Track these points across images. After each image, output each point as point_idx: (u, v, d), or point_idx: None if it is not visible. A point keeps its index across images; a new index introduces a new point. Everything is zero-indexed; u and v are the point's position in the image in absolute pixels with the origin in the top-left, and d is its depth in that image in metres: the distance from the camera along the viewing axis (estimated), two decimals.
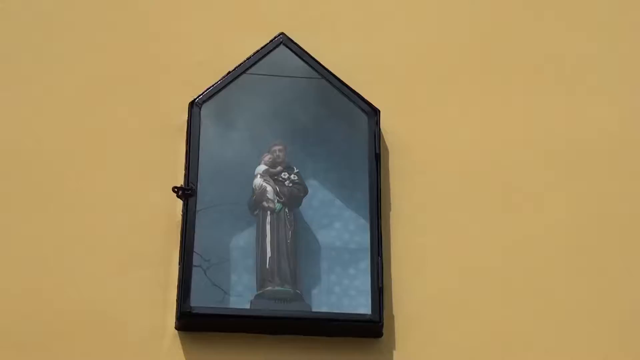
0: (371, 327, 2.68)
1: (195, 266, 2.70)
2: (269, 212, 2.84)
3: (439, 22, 3.26)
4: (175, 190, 2.78)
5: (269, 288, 2.75)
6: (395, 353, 2.72)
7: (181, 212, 2.76)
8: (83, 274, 2.75)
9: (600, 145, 3.09)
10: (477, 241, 2.93)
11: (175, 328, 2.65)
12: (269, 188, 2.86)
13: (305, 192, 2.89)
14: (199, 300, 2.65)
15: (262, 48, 2.95)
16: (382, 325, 2.68)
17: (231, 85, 2.91)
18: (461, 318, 2.81)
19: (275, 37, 2.98)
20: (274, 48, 2.96)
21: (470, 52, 3.25)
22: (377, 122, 2.91)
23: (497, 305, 2.85)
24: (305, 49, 2.99)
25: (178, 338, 2.66)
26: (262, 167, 2.88)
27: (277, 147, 2.89)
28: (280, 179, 2.88)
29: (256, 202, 2.84)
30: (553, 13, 3.31)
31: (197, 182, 2.79)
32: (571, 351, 2.85)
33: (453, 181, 3.00)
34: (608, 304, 2.89)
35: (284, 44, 2.98)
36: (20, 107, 2.96)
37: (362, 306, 2.72)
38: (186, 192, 2.77)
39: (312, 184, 2.92)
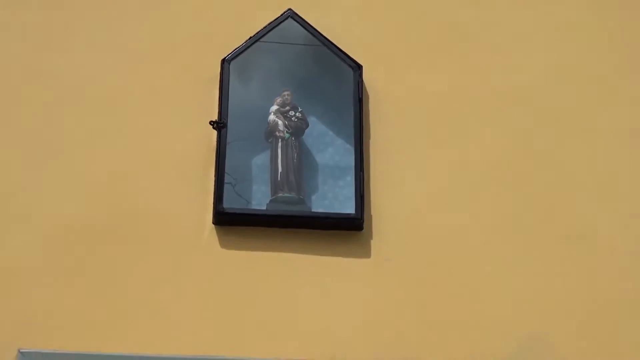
0: (354, 222, 2.85)
1: (227, 183, 2.87)
2: (280, 140, 2.98)
3: None
4: (212, 123, 2.92)
5: (280, 194, 2.91)
6: (372, 242, 2.87)
7: (216, 140, 2.92)
8: (143, 184, 2.91)
9: (545, 94, 3.19)
10: (440, 160, 3.04)
11: (212, 223, 2.83)
12: (279, 122, 3.00)
13: (307, 125, 3.02)
14: (229, 203, 2.83)
15: (274, 20, 3.11)
16: (362, 222, 2.84)
17: (252, 47, 3.06)
18: (427, 218, 2.94)
19: (284, 12, 3.11)
20: (284, 20, 3.11)
21: (438, 21, 3.32)
22: (360, 75, 3.05)
23: (459, 206, 2.97)
24: (307, 21, 3.10)
25: (214, 230, 2.84)
26: (274, 107, 3.01)
27: (286, 92, 3.03)
28: (288, 115, 3.01)
29: (270, 132, 2.99)
30: None
31: (227, 118, 2.93)
32: (531, 249, 2.92)
33: (419, 118, 3.10)
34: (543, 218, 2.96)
35: (291, 17, 3.11)
36: (94, 60, 3.11)
37: (348, 208, 2.88)
38: (219, 125, 2.92)
39: (311, 120, 3.05)
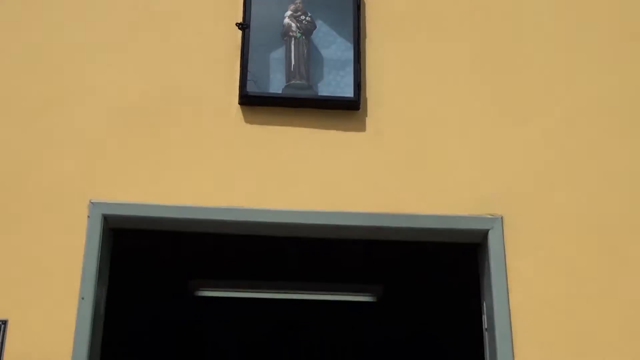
0: (352, 103, 3.09)
1: (250, 78, 3.07)
2: (293, 39, 3.15)
3: None
4: (237, 24, 3.13)
5: (293, 82, 3.11)
6: (366, 119, 3.11)
7: (241, 38, 3.12)
8: (184, 72, 3.11)
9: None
10: (423, 54, 3.21)
11: (238, 103, 3.06)
12: (293, 24, 3.17)
13: (315, 27, 3.19)
14: (252, 88, 3.06)
15: None
16: (359, 103, 3.09)
17: None
18: (410, 99, 3.13)
19: None
20: None
21: None
22: None
23: (436, 90, 3.14)
24: None
25: (240, 109, 3.07)
26: (289, 12, 3.19)
27: (298, 1, 3.19)
28: (300, 19, 3.18)
29: (285, 32, 3.16)
30: None
31: (250, 22, 3.14)
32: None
33: (407, 21, 3.25)
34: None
35: None
36: None
37: (348, 92, 3.10)
38: (244, 26, 3.13)
39: (319, 23, 3.21)
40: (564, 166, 3.13)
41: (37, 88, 3.09)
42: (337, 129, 3.10)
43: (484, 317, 3.02)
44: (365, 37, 3.27)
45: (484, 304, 3.02)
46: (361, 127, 3.12)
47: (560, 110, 3.22)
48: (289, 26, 3.21)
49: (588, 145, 3.17)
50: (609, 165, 3.15)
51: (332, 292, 5.26)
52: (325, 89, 3.16)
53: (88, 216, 2.91)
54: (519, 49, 3.31)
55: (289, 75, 3.15)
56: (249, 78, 3.09)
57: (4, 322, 2.77)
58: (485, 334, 3.00)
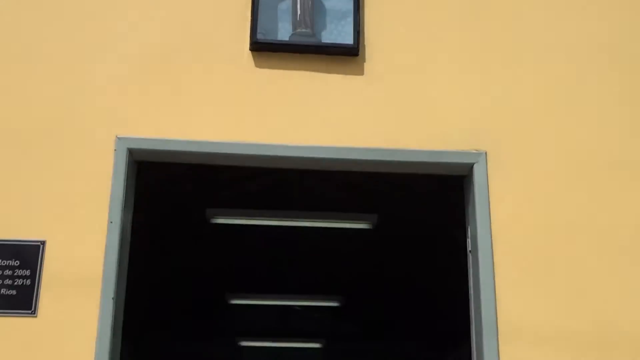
0: (352, 50, 3.20)
1: (260, 30, 3.15)
2: None
3: None
4: None
5: (299, 30, 3.22)
6: (364, 64, 3.21)
7: None
8: (201, 22, 3.19)
9: None
10: (414, 10, 3.27)
11: (249, 50, 3.18)
12: None
13: None
14: (262, 36, 3.18)
15: None
16: (358, 49, 3.20)
17: None
18: (404, 49, 3.20)
19: None
20: None
21: None
22: None
23: (426, 42, 3.22)
24: None
25: (251, 54, 3.19)
26: None
27: None
28: None
29: None
30: None
31: None
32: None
33: None
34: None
35: None
36: None
37: (348, 40, 3.21)
38: None
39: None
40: (545, 105, 3.23)
41: (70, 38, 3.20)
42: (338, 72, 3.20)
43: (469, 241, 3.18)
44: None
45: (469, 229, 3.18)
46: (359, 71, 3.22)
47: (546, 51, 3.30)
48: None
49: (570, 85, 3.26)
50: (589, 103, 3.22)
51: (332, 220, 5.39)
52: (328, 37, 3.27)
53: (115, 150, 3.04)
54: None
55: (295, 25, 3.26)
56: (258, 30, 3.19)
57: (43, 243, 2.93)
58: (470, 256, 3.14)
